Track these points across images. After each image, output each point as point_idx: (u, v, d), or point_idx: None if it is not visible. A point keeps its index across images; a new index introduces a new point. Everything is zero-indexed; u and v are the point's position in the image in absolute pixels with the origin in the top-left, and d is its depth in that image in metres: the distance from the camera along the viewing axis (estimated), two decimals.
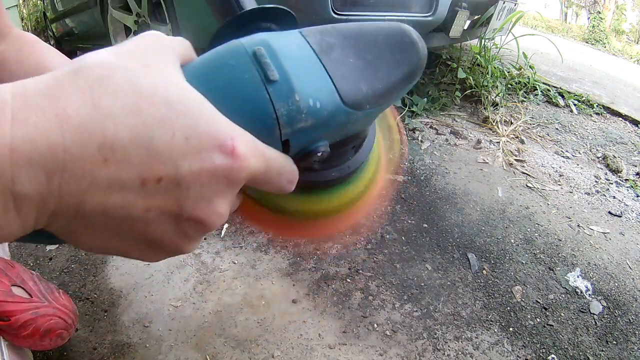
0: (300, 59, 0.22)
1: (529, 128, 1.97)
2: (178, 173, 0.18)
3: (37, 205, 0.17)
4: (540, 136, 1.92)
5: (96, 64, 0.18)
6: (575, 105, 2.33)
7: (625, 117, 2.36)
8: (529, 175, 1.56)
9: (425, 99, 1.93)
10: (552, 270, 1.13)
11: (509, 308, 0.99)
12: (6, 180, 0.15)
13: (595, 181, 1.64)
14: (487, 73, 2.04)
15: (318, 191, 0.33)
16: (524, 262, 1.14)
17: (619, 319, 1.02)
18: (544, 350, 0.90)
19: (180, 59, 0.22)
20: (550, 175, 1.60)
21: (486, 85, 2.03)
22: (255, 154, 0.20)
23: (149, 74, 0.19)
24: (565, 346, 0.92)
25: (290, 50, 0.22)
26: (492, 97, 2.08)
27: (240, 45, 0.22)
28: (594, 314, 1.02)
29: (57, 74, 0.18)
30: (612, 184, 1.65)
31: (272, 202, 0.33)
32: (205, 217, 0.20)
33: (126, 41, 0.21)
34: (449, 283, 1.03)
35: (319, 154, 0.24)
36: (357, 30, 0.25)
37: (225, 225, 1.11)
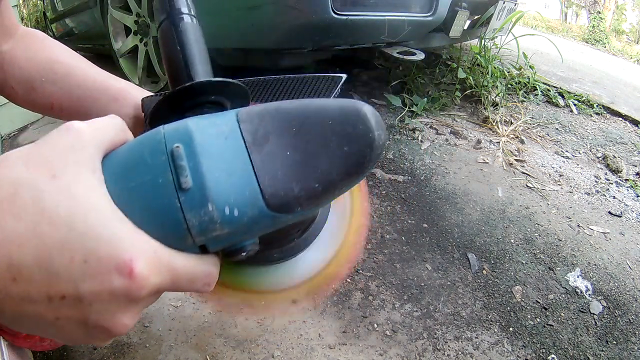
0: (224, 157, 0.20)
1: (529, 128, 1.97)
2: (79, 293, 0.19)
3: None
4: (540, 136, 1.92)
5: (5, 181, 0.19)
6: (575, 105, 2.33)
7: (625, 117, 2.36)
8: (529, 175, 1.56)
9: (425, 99, 1.93)
10: (552, 270, 1.13)
11: (509, 308, 0.99)
12: None
13: (595, 181, 1.64)
14: (487, 73, 2.04)
15: (264, 265, 0.32)
16: (524, 262, 1.14)
17: (619, 319, 1.02)
18: (544, 350, 0.90)
19: (107, 147, 0.22)
20: (550, 175, 1.60)
21: (486, 85, 2.03)
22: (159, 270, 0.20)
23: (54, 189, 0.19)
24: (565, 346, 0.92)
25: (216, 145, 0.21)
26: (492, 97, 2.08)
27: (160, 140, 0.21)
28: (594, 314, 1.02)
29: None
30: (612, 184, 1.65)
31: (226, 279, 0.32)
32: (111, 327, 0.21)
33: (45, 138, 0.21)
34: (449, 283, 1.03)
35: (244, 254, 0.23)
36: (303, 111, 0.22)
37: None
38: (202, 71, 0.28)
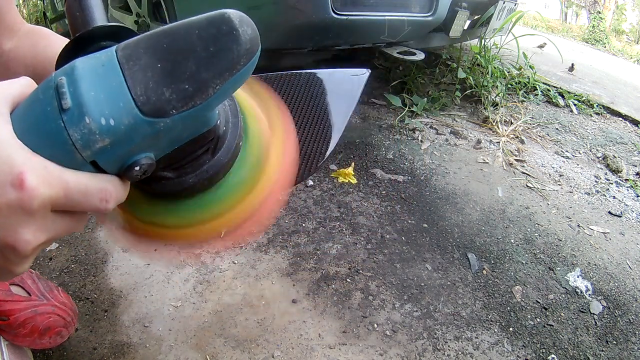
0: (101, 79, 0.23)
1: (529, 128, 1.97)
2: None
3: None
4: (540, 136, 1.92)
5: None
6: (575, 105, 2.33)
7: (625, 117, 2.36)
8: (529, 175, 1.56)
9: (425, 99, 1.92)
10: (552, 270, 1.13)
11: (509, 308, 0.99)
12: None
13: (595, 181, 1.64)
14: (487, 73, 2.05)
15: (187, 198, 0.33)
16: (524, 262, 1.14)
17: (619, 319, 1.02)
18: (544, 350, 0.90)
19: (13, 101, 0.25)
20: (550, 175, 1.60)
21: (486, 85, 2.03)
22: (50, 182, 0.22)
23: None
24: (565, 346, 0.92)
25: (94, 71, 0.23)
26: (492, 97, 2.08)
27: (50, 79, 0.23)
28: (594, 314, 1.02)
29: None
30: (612, 184, 1.65)
31: (147, 217, 0.33)
32: (14, 243, 0.23)
33: None
34: (449, 283, 1.03)
35: (138, 168, 0.25)
36: (172, 30, 0.24)
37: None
38: (98, 19, 0.31)
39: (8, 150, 0.22)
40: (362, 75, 0.42)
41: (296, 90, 0.42)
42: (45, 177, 0.22)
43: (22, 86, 0.26)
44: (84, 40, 0.30)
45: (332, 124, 0.41)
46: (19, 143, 0.22)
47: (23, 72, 0.44)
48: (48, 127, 0.22)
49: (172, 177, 0.31)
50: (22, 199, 0.21)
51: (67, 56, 0.29)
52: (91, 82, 0.23)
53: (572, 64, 2.90)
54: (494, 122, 1.89)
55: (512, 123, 1.94)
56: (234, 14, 0.24)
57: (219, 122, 0.30)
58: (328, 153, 0.41)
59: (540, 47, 3.08)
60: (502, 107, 2.07)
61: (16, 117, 0.24)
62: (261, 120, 0.36)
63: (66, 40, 0.48)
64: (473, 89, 2.02)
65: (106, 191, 0.25)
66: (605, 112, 2.36)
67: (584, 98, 2.41)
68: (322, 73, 0.43)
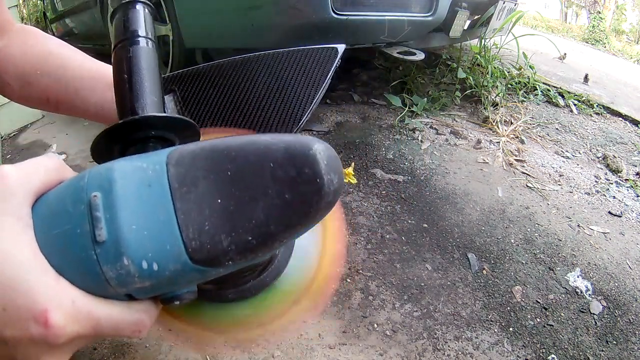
0: (145, 207, 0.19)
1: (529, 128, 1.97)
2: (3, 337, 0.20)
3: None
4: (540, 136, 1.92)
5: None
6: (575, 105, 2.33)
7: (625, 117, 2.36)
8: (529, 175, 1.56)
9: (425, 99, 1.93)
10: (552, 270, 1.13)
11: (509, 308, 0.99)
12: None
13: (595, 181, 1.64)
14: (487, 73, 2.05)
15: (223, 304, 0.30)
16: (524, 262, 1.14)
17: (619, 319, 1.02)
18: (544, 350, 0.90)
19: (35, 192, 0.22)
20: (550, 175, 1.60)
21: (486, 85, 2.03)
22: (76, 320, 0.20)
23: None
24: (565, 346, 0.92)
25: (137, 194, 0.19)
26: (492, 97, 2.08)
27: (82, 187, 0.20)
28: (594, 314, 1.02)
29: None
30: (612, 184, 1.65)
31: (183, 315, 0.31)
32: None
33: None
34: (449, 283, 1.03)
35: (178, 302, 0.21)
36: (240, 153, 0.20)
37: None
38: (149, 103, 0.26)
39: (28, 278, 0.19)
40: (334, 50, 0.43)
41: (267, 70, 0.42)
42: (72, 314, 0.20)
43: (47, 172, 0.23)
44: (130, 126, 0.24)
45: (309, 93, 0.41)
46: (42, 264, 0.20)
47: (12, 72, 0.44)
48: (78, 253, 0.19)
49: (211, 290, 0.28)
50: (46, 336, 0.20)
51: (107, 139, 0.25)
52: (133, 209, 0.19)
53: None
54: (494, 122, 1.89)
55: (512, 123, 1.94)
56: (320, 152, 0.19)
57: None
58: (304, 120, 0.40)
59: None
60: (502, 107, 2.07)
61: (39, 218, 0.20)
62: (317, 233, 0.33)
63: (55, 39, 0.48)
64: (473, 89, 2.02)
65: (140, 323, 0.22)
66: (605, 112, 2.36)
67: (584, 98, 2.41)
68: (296, 50, 0.43)
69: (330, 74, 0.42)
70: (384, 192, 1.33)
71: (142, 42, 0.27)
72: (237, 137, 0.21)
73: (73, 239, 0.19)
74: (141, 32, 0.27)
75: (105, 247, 0.19)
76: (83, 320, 0.21)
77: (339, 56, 0.42)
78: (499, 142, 1.76)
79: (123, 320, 0.22)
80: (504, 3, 1.85)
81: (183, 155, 0.20)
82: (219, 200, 0.19)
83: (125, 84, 0.26)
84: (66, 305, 0.20)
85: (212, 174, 0.19)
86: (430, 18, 1.47)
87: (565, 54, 3.09)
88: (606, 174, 1.73)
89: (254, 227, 0.19)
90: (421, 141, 1.66)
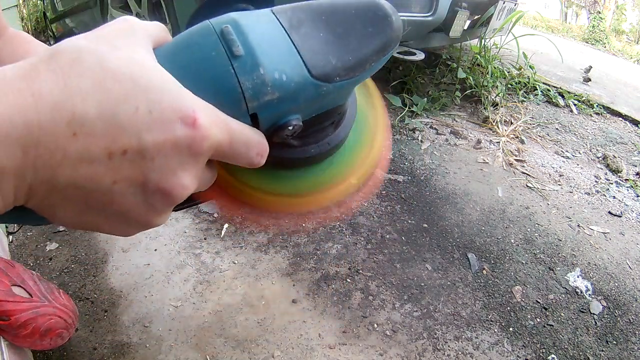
0: (267, 35, 0.23)
1: (529, 128, 1.97)
2: (142, 145, 0.19)
3: (15, 178, 0.18)
4: (540, 136, 1.92)
5: (68, 48, 0.19)
6: (575, 105, 2.33)
7: (625, 117, 2.36)
8: (529, 175, 1.56)
9: (425, 99, 1.92)
10: (552, 270, 1.13)
11: (509, 308, 0.99)
12: None
13: (595, 181, 1.64)
14: (487, 73, 2.05)
15: (298, 168, 0.33)
16: (524, 262, 1.14)
17: (619, 319, 1.02)
18: (544, 350, 0.90)
19: (154, 41, 0.23)
20: (550, 175, 1.60)
21: (486, 85, 2.03)
22: (219, 125, 0.21)
23: (116, 54, 0.20)
24: (565, 346, 0.92)
25: (259, 27, 0.23)
26: (492, 97, 2.08)
27: (208, 25, 0.23)
28: (594, 314, 1.02)
29: (34, 60, 0.19)
30: (612, 184, 1.65)
31: (254, 182, 0.33)
32: (170, 188, 0.20)
33: (102, 26, 0.22)
34: (449, 283, 1.03)
35: (290, 128, 0.25)
36: (329, 5, 0.25)
37: (226, 225, 1.11)
38: None
39: (173, 86, 0.20)
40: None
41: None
42: (215, 120, 0.21)
43: (159, 29, 0.24)
44: (218, 3, 0.29)
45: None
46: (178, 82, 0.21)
47: None
48: (214, 72, 0.22)
49: (296, 146, 0.30)
50: (193, 138, 0.20)
51: (203, 14, 0.28)
52: (259, 35, 0.23)
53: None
54: (494, 122, 1.89)
55: (512, 123, 1.94)
56: (385, 2, 0.26)
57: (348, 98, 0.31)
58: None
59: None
60: (502, 107, 2.07)
61: (163, 58, 0.22)
62: (369, 102, 0.38)
63: (46, 47, 0.48)
64: (473, 89, 2.02)
65: (263, 146, 0.24)
66: (605, 112, 2.36)
67: (584, 98, 2.41)
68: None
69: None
70: (384, 192, 1.33)
71: None
72: (318, 0, 0.26)
73: (207, 61, 0.22)
74: None
75: (242, 60, 0.22)
76: (223, 128, 0.21)
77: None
78: (499, 142, 1.76)
79: (253, 137, 0.23)
80: (504, 3, 1.85)
81: (284, 9, 0.25)
82: (321, 34, 0.24)
83: None
84: (210, 110, 0.21)
85: (311, 19, 0.24)
86: (430, 18, 1.47)
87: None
88: (606, 174, 1.73)
89: (352, 50, 0.24)
90: (421, 141, 1.66)
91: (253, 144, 0.23)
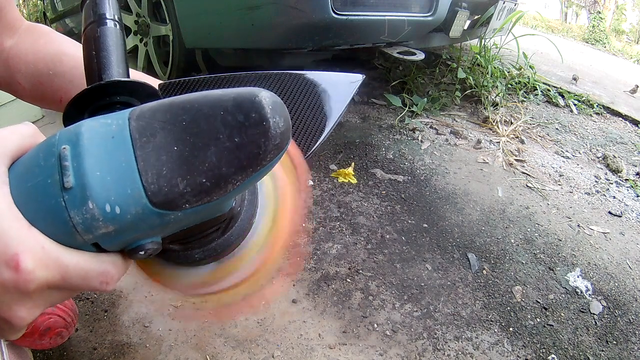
0: (108, 156, 0.21)
1: (529, 128, 1.97)
2: None
3: None
4: (540, 136, 1.92)
5: None
6: (575, 105, 2.33)
7: (625, 117, 2.36)
8: (529, 175, 1.56)
9: (425, 99, 1.93)
10: (552, 270, 1.13)
11: (509, 308, 0.99)
12: None
13: (595, 181, 1.64)
14: (487, 73, 2.05)
15: (192, 266, 0.32)
16: (524, 262, 1.14)
17: (619, 319, 1.02)
18: (544, 350, 0.90)
19: (14, 154, 0.23)
20: (550, 175, 1.60)
21: (486, 85, 2.03)
22: (46, 265, 0.21)
23: None
24: (565, 346, 0.92)
25: (102, 144, 0.21)
26: (492, 97, 2.08)
27: (53, 143, 0.22)
28: (594, 314, 1.02)
29: None
30: (612, 184, 1.65)
31: (157, 276, 0.33)
32: (9, 318, 0.22)
33: None
34: (449, 283, 1.03)
35: (142, 253, 0.23)
36: (194, 105, 0.21)
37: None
38: (115, 73, 0.28)
39: (3, 225, 0.21)
40: (356, 81, 0.42)
41: (289, 88, 0.42)
42: (42, 260, 0.21)
43: (23, 137, 0.24)
44: (97, 92, 0.27)
45: (321, 123, 0.41)
46: (15, 214, 0.21)
47: (24, 70, 0.44)
48: (48, 202, 0.21)
49: (178, 250, 0.29)
50: (17, 280, 0.21)
51: (77, 107, 0.27)
52: (98, 158, 0.21)
53: (575, 76, 2.86)
54: (494, 122, 1.89)
55: (512, 123, 1.94)
56: (266, 98, 0.21)
57: (233, 204, 0.28)
58: (312, 150, 0.40)
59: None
60: (502, 107, 2.07)
61: (14, 177, 0.22)
62: (278, 186, 0.35)
63: (67, 38, 0.48)
64: (473, 89, 2.02)
65: (107, 274, 0.23)
66: (605, 112, 2.36)
67: (584, 98, 2.41)
68: (316, 74, 0.43)
69: (345, 106, 0.41)
70: (384, 192, 1.33)
71: (110, 23, 0.30)
72: (193, 93, 0.22)
73: (44, 189, 0.21)
74: (108, 14, 0.30)
75: (72, 193, 0.20)
76: (52, 266, 0.21)
77: (357, 86, 0.41)
78: (499, 142, 1.76)
79: (91, 269, 0.23)
80: (504, 3, 1.85)
81: (143, 111, 0.22)
82: (175, 148, 0.21)
83: (94, 59, 0.28)
84: (36, 250, 0.21)
85: (169, 125, 0.21)
86: (430, 18, 1.47)
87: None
88: (606, 174, 1.73)
89: (207, 169, 0.21)
90: (421, 141, 1.66)
91: (92, 275, 0.23)
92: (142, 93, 0.28)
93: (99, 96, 0.27)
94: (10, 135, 0.24)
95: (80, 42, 0.33)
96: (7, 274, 0.20)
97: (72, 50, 0.45)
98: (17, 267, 0.20)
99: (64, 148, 0.21)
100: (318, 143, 0.40)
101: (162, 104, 0.22)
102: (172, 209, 0.21)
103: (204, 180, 0.21)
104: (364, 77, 0.42)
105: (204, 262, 0.31)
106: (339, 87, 0.42)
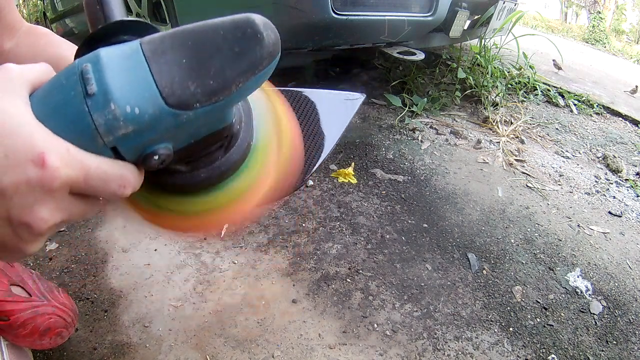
0: (126, 69, 0.23)
1: (529, 128, 1.97)
2: (3, 186, 0.22)
3: None
4: (540, 136, 1.92)
5: None
6: (575, 105, 2.33)
7: (625, 117, 2.36)
8: (529, 175, 1.56)
9: (425, 99, 1.93)
10: (552, 270, 1.13)
11: (509, 308, 0.99)
12: None
13: (595, 181, 1.64)
14: (487, 73, 2.05)
15: (196, 191, 0.34)
16: (524, 262, 1.14)
17: (619, 319, 1.02)
18: (544, 350, 0.90)
19: (33, 84, 0.25)
20: (550, 175, 1.60)
21: (486, 85, 2.03)
22: (71, 164, 0.23)
23: None
24: (565, 346, 0.92)
25: (120, 61, 0.24)
26: (492, 97, 2.08)
27: (73, 66, 0.24)
28: (594, 314, 1.02)
29: None
30: (612, 184, 1.65)
31: (157, 204, 0.34)
32: (31, 221, 0.23)
33: None
34: (449, 283, 1.03)
35: (157, 157, 0.25)
36: (198, 29, 0.25)
37: (225, 225, 1.11)
38: (117, 14, 0.31)
39: (29, 129, 0.22)
40: (355, 100, 0.43)
41: (292, 106, 0.42)
42: (66, 159, 0.22)
43: (41, 71, 0.26)
44: (104, 34, 0.30)
45: (322, 142, 0.42)
46: (39, 124, 0.23)
47: None
48: (71, 111, 0.23)
49: (184, 171, 0.31)
50: (43, 177, 0.22)
51: (87, 48, 0.29)
52: (117, 71, 0.23)
53: (557, 64, 2.87)
54: (494, 122, 1.89)
55: (512, 123, 1.94)
56: (258, 18, 0.25)
57: (234, 120, 0.31)
58: (314, 169, 0.41)
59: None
60: (502, 107, 2.07)
61: (36, 100, 0.24)
62: (272, 122, 0.37)
63: (66, 41, 0.48)
64: (473, 89, 2.02)
65: (125, 178, 0.25)
66: (605, 112, 2.36)
67: (584, 98, 2.41)
68: (318, 93, 0.44)
69: (345, 126, 0.43)
70: (384, 192, 1.33)
71: None
72: (194, 23, 0.25)
73: (66, 101, 0.23)
74: None
75: (95, 98, 0.22)
76: (76, 166, 0.23)
77: (357, 105, 0.43)
78: (499, 142, 1.76)
79: (111, 172, 0.24)
80: (504, 3, 1.85)
81: (153, 38, 0.25)
82: (184, 61, 0.24)
83: (99, 11, 0.31)
84: (61, 151, 0.22)
85: (176, 46, 0.24)
86: (430, 18, 1.47)
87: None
88: (606, 174, 1.73)
89: (213, 74, 0.24)
90: (421, 141, 1.66)
91: (112, 177, 0.25)
92: (148, 33, 0.31)
93: (106, 39, 0.29)
94: (29, 69, 0.25)
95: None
96: (33, 171, 0.21)
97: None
98: (44, 163, 0.21)
99: (86, 65, 0.23)
100: (317, 164, 0.42)
101: (168, 32, 0.25)
102: (185, 109, 0.24)
103: (211, 82, 0.24)
104: (365, 96, 0.44)
105: (208, 183, 0.33)
106: (339, 106, 0.43)
